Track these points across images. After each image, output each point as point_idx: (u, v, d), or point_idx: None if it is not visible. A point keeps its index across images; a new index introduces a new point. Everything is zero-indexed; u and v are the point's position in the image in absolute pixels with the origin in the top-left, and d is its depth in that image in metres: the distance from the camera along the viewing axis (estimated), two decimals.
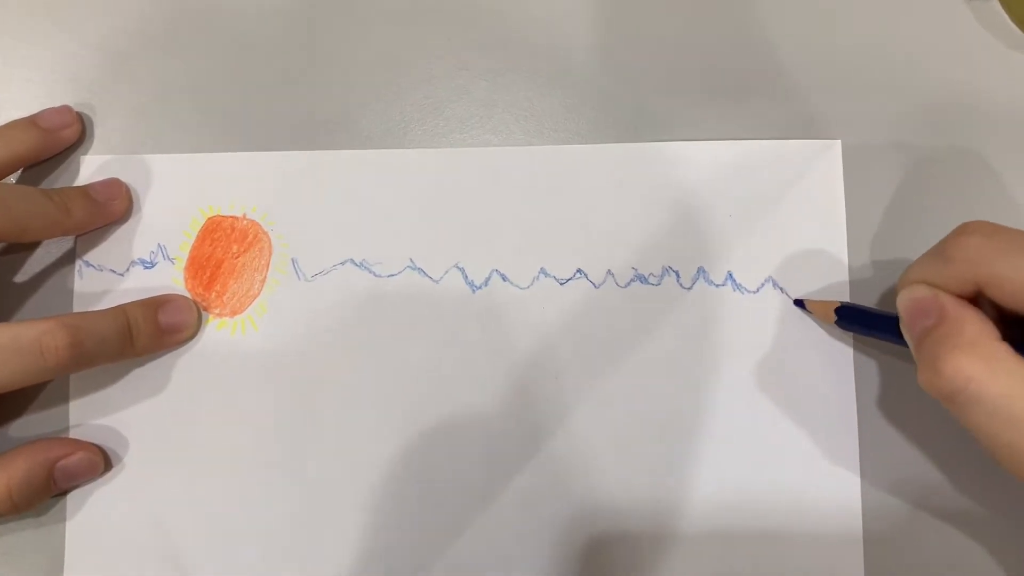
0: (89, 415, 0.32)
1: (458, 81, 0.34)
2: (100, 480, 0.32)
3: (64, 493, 0.32)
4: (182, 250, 0.33)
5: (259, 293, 0.33)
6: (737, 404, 0.31)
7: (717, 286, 0.32)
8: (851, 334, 0.31)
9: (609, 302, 0.32)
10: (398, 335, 0.32)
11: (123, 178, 0.33)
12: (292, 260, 0.33)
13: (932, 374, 0.23)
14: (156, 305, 0.32)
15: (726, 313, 0.32)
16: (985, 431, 0.23)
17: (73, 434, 0.32)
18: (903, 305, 0.26)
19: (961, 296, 0.25)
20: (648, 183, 0.33)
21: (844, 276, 0.32)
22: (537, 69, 0.34)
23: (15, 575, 0.32)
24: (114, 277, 0.33)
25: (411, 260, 0.33)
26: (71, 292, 0.33)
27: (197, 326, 0.33)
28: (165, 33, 0.35)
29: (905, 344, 0.26)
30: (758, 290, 0.32)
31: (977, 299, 0.25)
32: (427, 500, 0.32)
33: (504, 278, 0.32)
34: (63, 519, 0.32)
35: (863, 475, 0.31)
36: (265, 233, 0.33)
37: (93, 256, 0.33)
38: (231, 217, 0.33)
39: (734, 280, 0.32)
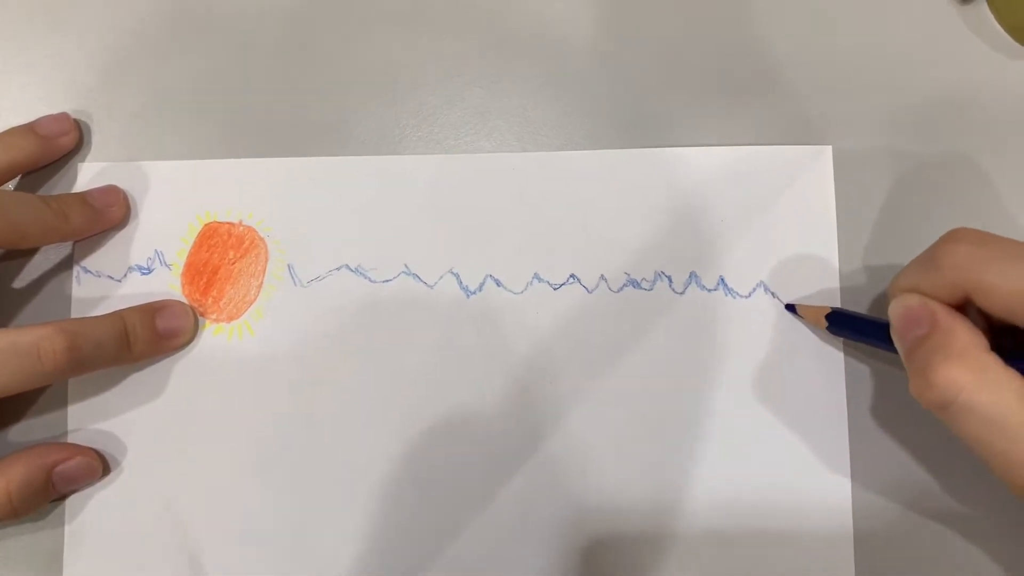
0: (87, 420, 0.33)
1: (452, 88, 0.34)
2: (98, 484, 0.32)
3: (63, 497, 0.32)
4: (179, 256, 0.34)
5: (255, 299, 0.33)
6: (729, 407, 0.32)
7: (709, 291, 0.32)
8: (842, 339, 0.31)
9: (602, 307, 0.32)
10: (394, 340, 0.33)
11: (120, 185, 0.34)
12: (288, 266, 0.33)
13: (923, 384, 0.24)
14: (153, 311, 0.32)
15: (718, 318, 0.32)
16: (978, 440, 0.23)
17: (71, 439, 0.33)
18: (895, 313, 0.26)
19: (949, 303, 0.25)
20: (640, 189, 0.33)
21: (835, 281, 0.32)
22: (530, 76, 0.34)
23: None
24: (111, 283, 0.33)
25: (406, 266, 0.33)
26: (69, 298, 0.33)
27: (194, 331, 0.33)
28: (162, 42, 0.35)
29: (895, 350, 0.26)
30: (750, 295, 0.32)
31: (965, 306, 0.25)
32: (425, 502, 0.32)
33: (498, 283, 0.33)
34: (62, 523, 0.32)
35: (853, 476, 0.31)
36: (261, 239, 0.33)
37: (91, 262, 0.34)
38: (227, 223, 0.34)
39: (726, 285, 0.32)
